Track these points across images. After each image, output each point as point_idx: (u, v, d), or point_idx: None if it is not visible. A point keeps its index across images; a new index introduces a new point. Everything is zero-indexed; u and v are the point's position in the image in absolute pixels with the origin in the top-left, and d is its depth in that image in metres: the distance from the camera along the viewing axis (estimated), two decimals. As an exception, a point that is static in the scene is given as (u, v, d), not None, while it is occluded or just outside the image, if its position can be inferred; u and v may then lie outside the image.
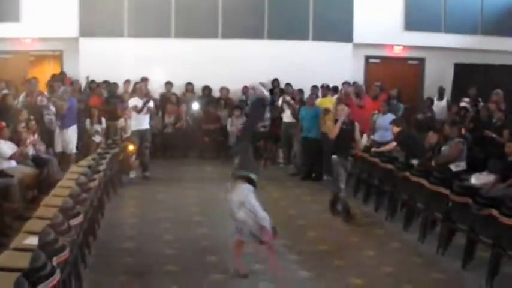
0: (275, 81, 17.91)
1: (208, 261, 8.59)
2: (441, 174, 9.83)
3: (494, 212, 7.83)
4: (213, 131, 17.20)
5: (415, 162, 11.49)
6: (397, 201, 11.14)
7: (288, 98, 16.17)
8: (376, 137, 13.98)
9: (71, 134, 14.11)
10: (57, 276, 5.27)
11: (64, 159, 13.70)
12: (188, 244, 9.40)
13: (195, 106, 17.44)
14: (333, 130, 11.18)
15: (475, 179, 11.08)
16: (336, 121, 11.29)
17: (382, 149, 12.63)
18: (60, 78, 16.65)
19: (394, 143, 12.55)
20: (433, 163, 11.73)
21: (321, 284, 7.84)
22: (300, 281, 7.93)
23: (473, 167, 11.71)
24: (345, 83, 16.84)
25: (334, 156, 11.01)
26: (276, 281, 7.80)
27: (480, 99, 15.13)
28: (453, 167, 11.75)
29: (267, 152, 16.74)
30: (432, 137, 12.93)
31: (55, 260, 5.48)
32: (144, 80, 16.76)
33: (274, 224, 10.51)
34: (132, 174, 14.01)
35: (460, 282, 8.02)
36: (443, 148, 12.30)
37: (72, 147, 14.11)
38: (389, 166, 11.30)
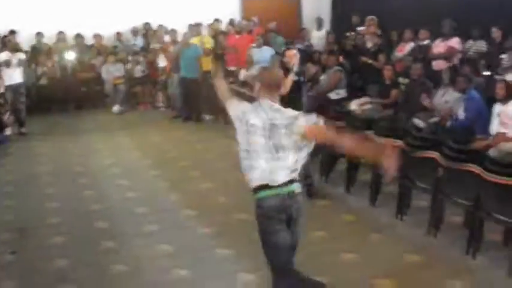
0: (146, 25, 17.56)
1: (92, 210, 8.44)
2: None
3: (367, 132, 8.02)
4: (89, 80, 16.70)
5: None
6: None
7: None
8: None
9: None
10: None
11: None
12: (70, 196, 9.18)
13: (69, 56, 16.87)
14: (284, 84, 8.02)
15: (354, 105, 11.27)
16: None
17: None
18: None
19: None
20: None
21: (205, 220, 7.81)
22: (184, 220, 7.89)
23: (353, 94, 11.89)
24: (216, 20, 16.70)
25: None
26: (159, 222, 7.75)
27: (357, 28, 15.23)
28: (333, 95, 11.88)
29: (146, 97, 16.45)
30: (311, 68, 13.02)
31: None
32: (12, 33, 16.06)
33: (156, 166, 10.54)
34: (8, 132, 13.48)
35: (344, 205, 8.22)
36: (321, 78, 12.41)
37: None
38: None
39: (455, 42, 11.88)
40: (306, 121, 4.43)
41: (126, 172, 10.36)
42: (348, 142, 4.32)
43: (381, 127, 8.03)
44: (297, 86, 8.32)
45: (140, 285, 6.09)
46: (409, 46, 12.79)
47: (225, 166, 10.34)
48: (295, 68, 8.44)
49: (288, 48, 9.43)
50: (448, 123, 9.38)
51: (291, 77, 8.22)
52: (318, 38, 16.24)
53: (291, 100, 7.38)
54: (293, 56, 8.63)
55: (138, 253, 6.91)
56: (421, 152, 7.09)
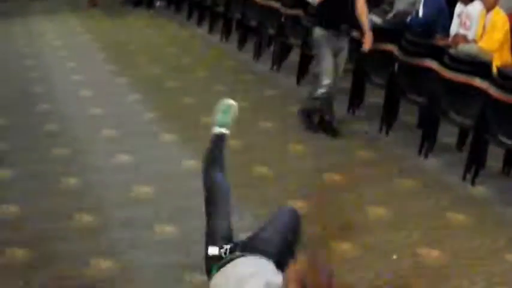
0: None
1: (35, 93, 8.11)
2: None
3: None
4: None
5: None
6: (231, 22, 10.84)
7: None
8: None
9: None
10: None
11: None
12: (14, 78, 8.85)
13: None
14: None
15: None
16: None
17: None
18: None
19: None
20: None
21: (151, 105, 7.60)
22: (129, 104, 7.68)
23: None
24: None
25: (317, 30, 6.64)
26: (104, 105, 7.49)
27: None
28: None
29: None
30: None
31: None
32: None
33: (104, 50, 10.20)
34: None
35: (294, 96, 7.92)
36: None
37: None
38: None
39: None
40: None
41: (73, 55, 10.06)
42: None
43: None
44: None
45: (82, 169, 5.82)
46: None
47: (174, 51, 10.17)
48: None
49: None
50: (407, 20, 9.13)
51: None
52: None
53: None
54: None
55: (81, 137, 6.68)
56: (377, 44, 6.74)
